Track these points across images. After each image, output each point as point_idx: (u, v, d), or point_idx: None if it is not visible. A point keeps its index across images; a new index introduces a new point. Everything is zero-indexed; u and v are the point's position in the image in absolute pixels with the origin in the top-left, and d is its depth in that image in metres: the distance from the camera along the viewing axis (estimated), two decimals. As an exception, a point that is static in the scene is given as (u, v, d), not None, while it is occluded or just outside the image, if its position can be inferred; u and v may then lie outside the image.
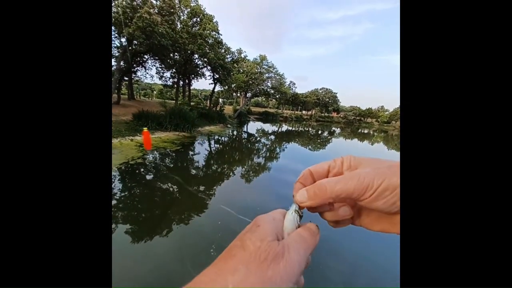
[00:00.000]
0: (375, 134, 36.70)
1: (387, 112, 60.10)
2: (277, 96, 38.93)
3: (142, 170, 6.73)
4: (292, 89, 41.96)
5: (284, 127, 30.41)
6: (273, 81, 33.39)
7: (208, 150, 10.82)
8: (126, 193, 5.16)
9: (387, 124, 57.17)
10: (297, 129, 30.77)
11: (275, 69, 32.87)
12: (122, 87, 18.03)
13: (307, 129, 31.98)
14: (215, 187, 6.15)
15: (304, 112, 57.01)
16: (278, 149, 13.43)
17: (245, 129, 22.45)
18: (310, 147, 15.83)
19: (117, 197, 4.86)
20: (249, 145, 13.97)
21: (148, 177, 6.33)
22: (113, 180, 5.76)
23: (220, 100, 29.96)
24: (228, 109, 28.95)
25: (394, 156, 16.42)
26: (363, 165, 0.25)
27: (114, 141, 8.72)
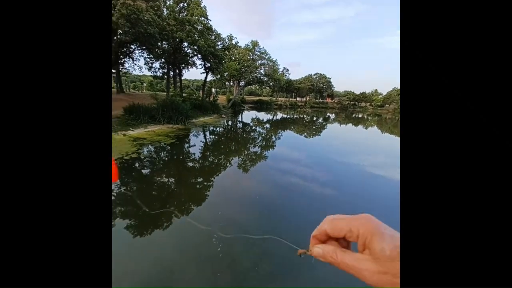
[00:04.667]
0: (369, 118, 37.04)
1: (380, 96, 60.26)
2: (271, 84, 38.34)
3: (137, 165, 6.67)
4: (285, 75, 41.33)
5: (279, 115, 30.28)
6: (266, 68, 32.68)
7: (203, 142, 10.74)
8: (122, 189, 5.14)
9: (380, 108, 57.56)
10: (292, 116, 30.71)
11: (268, 56, 32.08)
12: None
13: (301, 116, 31.96)
14: (212, 178, 6.18)
15: (298, 99, 56.57)
16: (273, 138, 13.45)
17: (239, 119, 22.26)
18: (305, 134, 15.91)
19: (115, 193, 4.84)
20: (244, 135, 13.92)
21: (145, 171, 6.29)
22: (108, 176, 5.69)
23: (213, 90, 29.28)
24: (222, 99, 28.43)
25: (388, 138, 16.70)
26: (374, 245, 0.24)
27: (107, 136, 8.53)
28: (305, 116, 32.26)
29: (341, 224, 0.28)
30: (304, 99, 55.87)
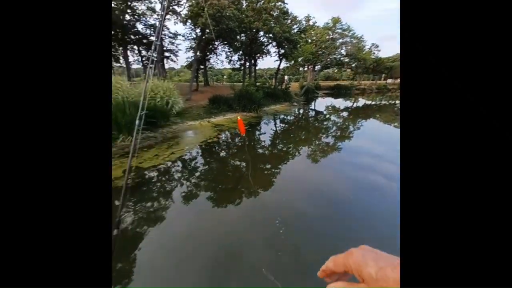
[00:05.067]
0: None
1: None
2: (353, 65, 33.16)
3: (217, 147, 7.72)
4: (374, 53, 34.50)
5: (361, 101, 26.03)
6: (348, 47, 28.39)
7: (273, 130, 10.96)
8: (206, 167, 6.12)
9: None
10: (378, 102, 25.64)
11: (352, 32, 27.62)
12: (199, 75, 20.66)
13: (392, 102, 26.02)
14: (280, 166, 6.22)
15: (389, 81, 46.22)
16: (351, 127, 11.79)
17: (312, 107, 20.98)
18: (396, 124, 12.89)
19: (200, 170, 5.85)
20: (316, 124, 13.03)
21: (222, 154, 7.19)
22: (196, 155, 6.94)
23: (286, 77, 28.85)
24: (294, 86, 27.65)
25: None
26: (364, 274, 0.28)
27: (196, 123, 10.36)
28: (397, 102, 26.08)
29: (339, 262, 0.33)
30: (399, 80, 44.92)
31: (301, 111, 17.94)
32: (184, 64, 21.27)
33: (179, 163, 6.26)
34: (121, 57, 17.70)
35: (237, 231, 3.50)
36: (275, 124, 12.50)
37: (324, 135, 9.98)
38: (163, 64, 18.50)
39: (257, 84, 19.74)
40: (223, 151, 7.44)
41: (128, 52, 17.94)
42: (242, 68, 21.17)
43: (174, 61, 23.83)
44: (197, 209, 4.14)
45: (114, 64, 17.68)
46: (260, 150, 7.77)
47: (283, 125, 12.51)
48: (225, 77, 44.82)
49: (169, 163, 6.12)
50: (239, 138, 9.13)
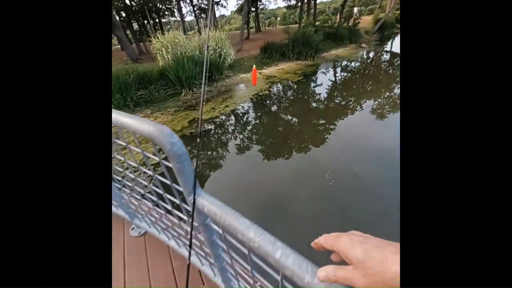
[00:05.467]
0: None
1: None
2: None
3: (268, 101, 7.56)
4: None
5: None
6: None
7: (332, 80, 9.58)
8: (257, 121, 6.24)
9: None
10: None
11: None
12: (250, 20, 18.84)
13: None
14: (336, 122, 5.66)
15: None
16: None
17: (387, 48, 16.53)
18: None
19: (252, 123, 6.04)
20: (390, 70, 10.47)
21: (273, 108, 7.05)
22: (248, 109, 7.08)
23: (355, 9, 22.57)
24: (366, 22, 21.70)
25: None
26: (350, 256, 0.29)
27: (247, 75, 10.14)
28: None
29: (329, 242, 0.33)
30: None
31: (371, 54, 14.51)
32: (234, 9, 19.63)
33: (232, 116, 6.61)
34: (175, 10, 17.84)
35: (285, 180, 3.71)
36: (335, 73, 10.81)
37: (399, 85, 8.04)
38: (214, 12, 17.63)
39: (317, 23, 16.51)
40: (274, 105, 7.27)
41: (181, 3, 17.75)
42: (299, 4, 17.78)
43: (224, 6, 22.26)
44: (249, 160, 4.49)
45: (170, 18, 18.13)
46: (314, 104, 7.15)
47: (345, 74, 10.68)
48: (278, 19, 39.44)
49: (224, 117, 6.55)
50: (292, 91, 8.54)
